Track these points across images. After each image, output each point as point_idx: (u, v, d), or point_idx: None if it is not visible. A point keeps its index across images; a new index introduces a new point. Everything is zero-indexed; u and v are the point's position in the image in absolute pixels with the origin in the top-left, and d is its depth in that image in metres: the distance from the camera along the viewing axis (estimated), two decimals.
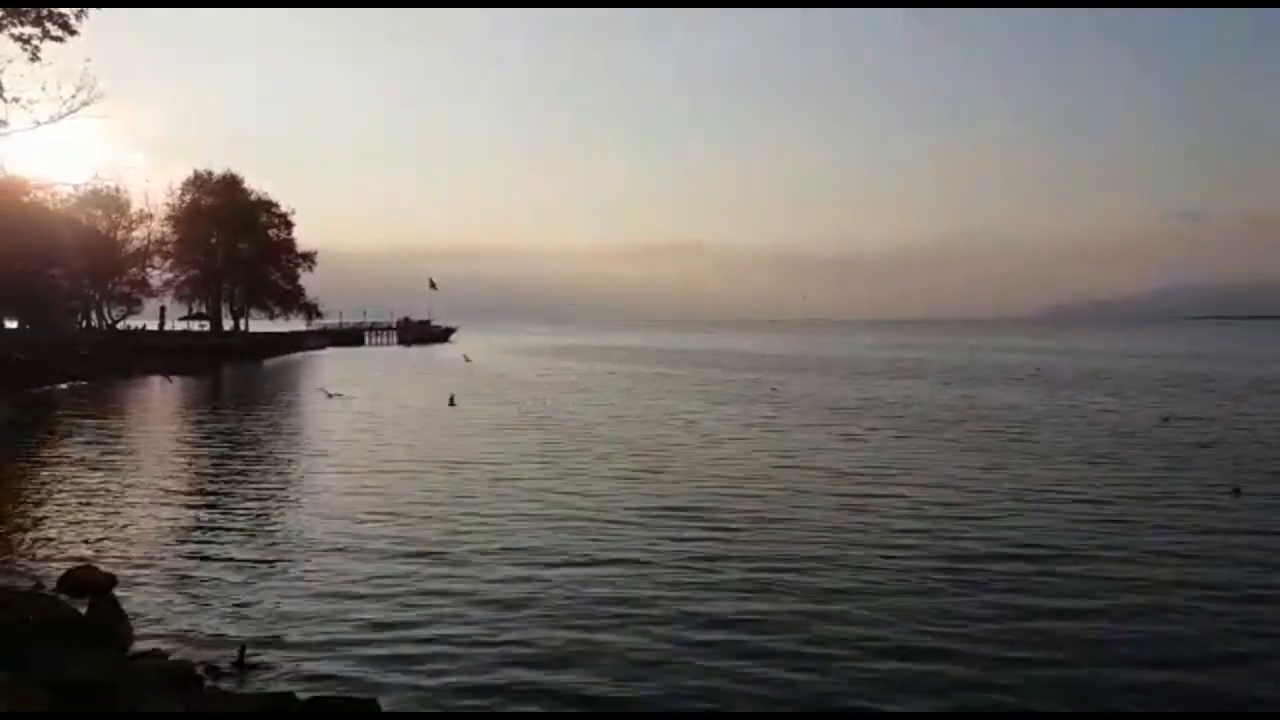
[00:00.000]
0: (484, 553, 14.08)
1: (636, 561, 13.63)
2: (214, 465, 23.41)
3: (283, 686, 9.00)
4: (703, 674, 9.47)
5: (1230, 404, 38.02)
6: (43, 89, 33.97)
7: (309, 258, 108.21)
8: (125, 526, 16.07)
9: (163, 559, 13.89)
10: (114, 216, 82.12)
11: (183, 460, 24.99)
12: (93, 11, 28.91)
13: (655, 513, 16.88)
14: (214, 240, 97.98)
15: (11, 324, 71.38)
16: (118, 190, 76.44)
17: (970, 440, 26.92)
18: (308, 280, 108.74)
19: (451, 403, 36.90)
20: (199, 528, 16.08)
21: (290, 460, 24.18)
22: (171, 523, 16.43)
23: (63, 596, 11.50)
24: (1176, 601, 11.80)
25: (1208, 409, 35.79)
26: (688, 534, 15.35)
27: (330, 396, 39.35)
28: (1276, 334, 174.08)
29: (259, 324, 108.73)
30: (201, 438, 29.33)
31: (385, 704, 8.57)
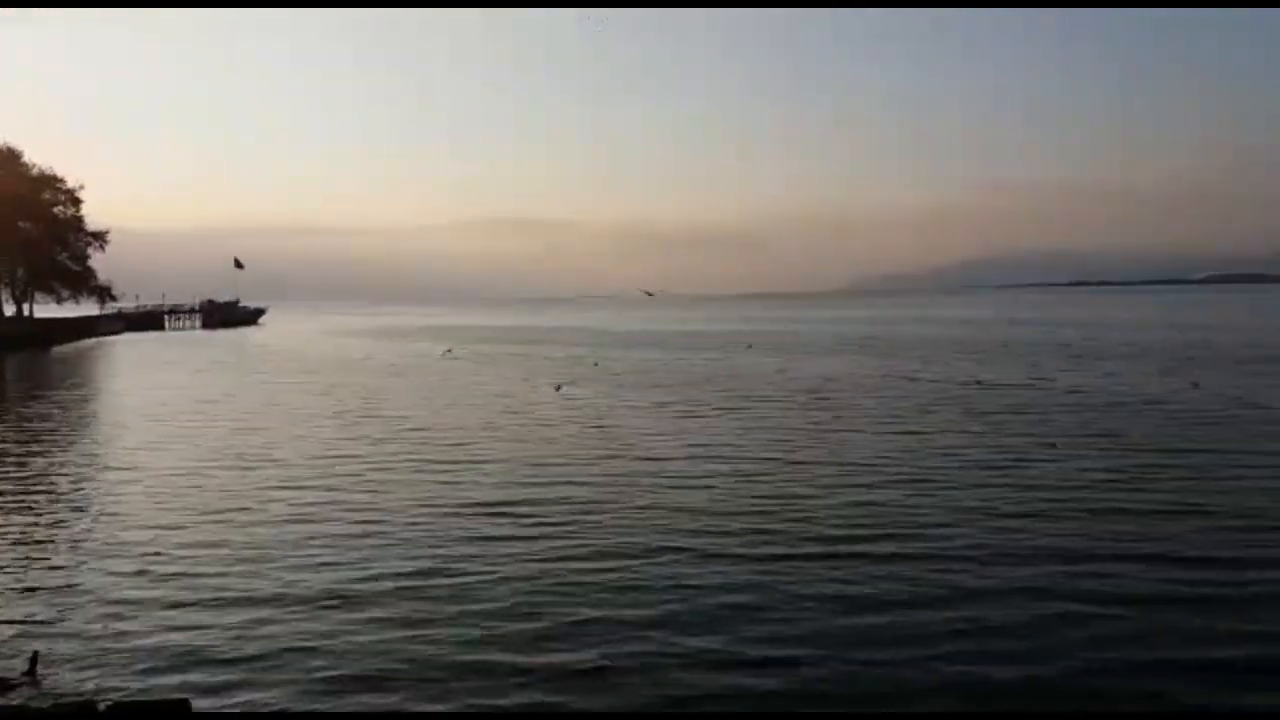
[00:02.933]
0: (287, 552, 13.20)
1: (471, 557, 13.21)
2: None
3: (80, 694, 8.13)
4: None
5: (1031, 368, 41.13)
6: None
7: (100, 236, 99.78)
8: None
9: None
10: None
11: None
12: None
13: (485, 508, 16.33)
14: None
15: None
16: None
17: (797, 411, 27.78)
18: (104, 262, 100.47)
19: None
20: None
21: (84, 459, 22.11)
22: None
23: None
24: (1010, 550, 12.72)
25: (1014, 373, 38.56)
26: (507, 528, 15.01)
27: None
28: (1074, 298, 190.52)
29: (46, 309, 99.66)
30: None
31: (196, 706, 7.88)
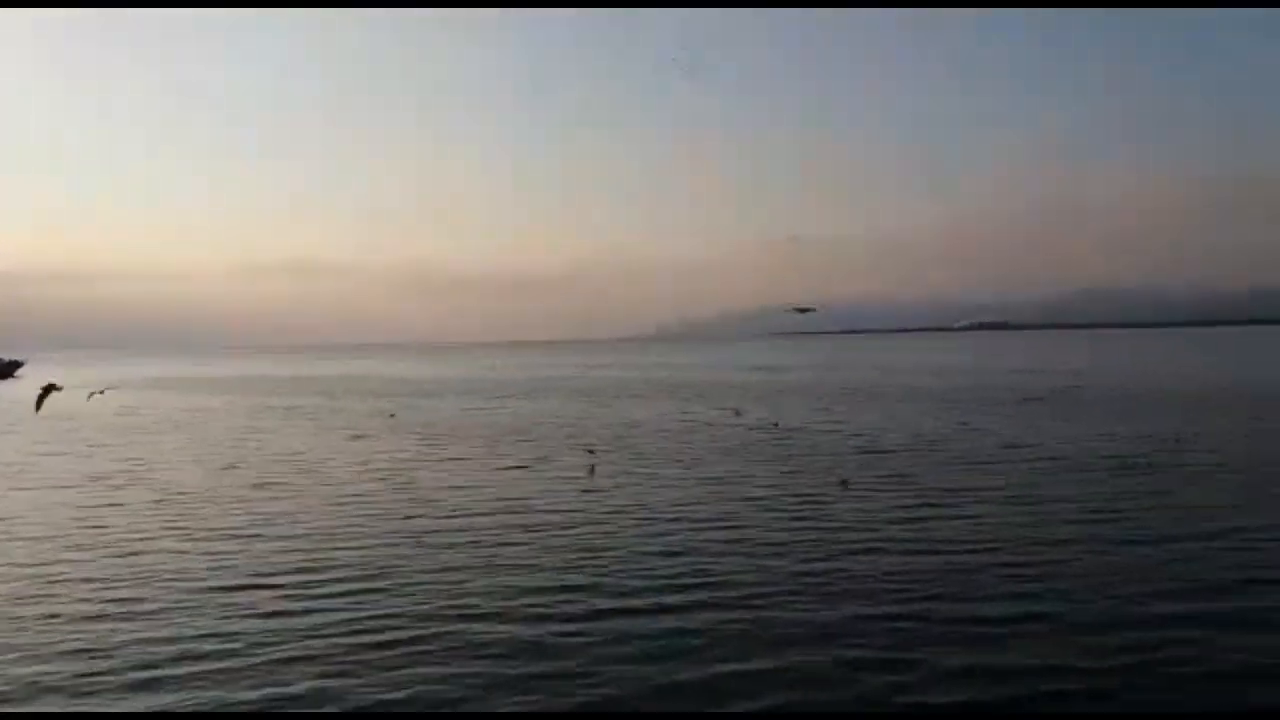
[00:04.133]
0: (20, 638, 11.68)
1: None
2: None
3: None
4: None
5: (821, 411, 43.04)
6: None
7: None
8: None
9: None
10: None
11: None
12: None
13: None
14: None
15: None
16: None
17: (602, 458, 27.66)
18: None
19: None
20: None
21: None
22: None
23: None
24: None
25: (805, 415, 40.21)
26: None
27: None
28: (852, 344, 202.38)
29: None
30: None
31: None
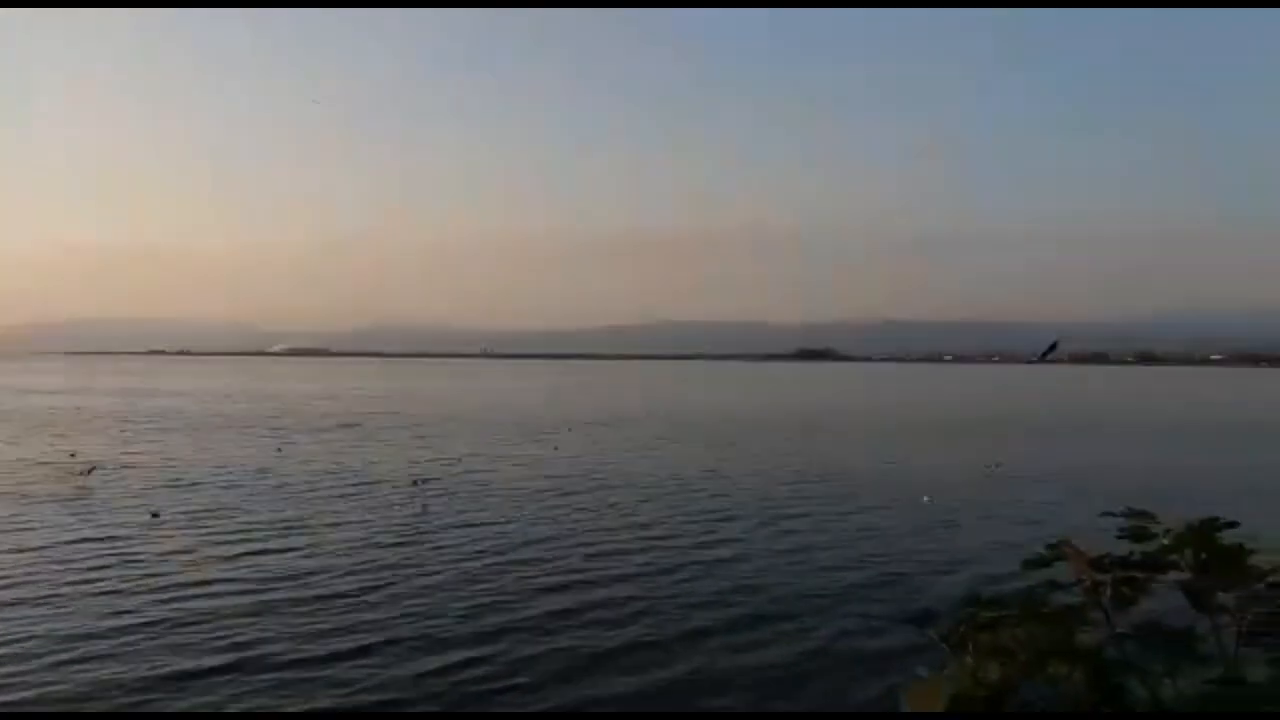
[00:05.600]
0: None
1: None
2: None
3: None
4: None
5: (124, 442, 39.53)
6: None
7: None
8: None
9: None
10: None
11: None
12: None
13: None
14: None
15: None
16: None
17: None
18: None
19: None
20: None
21: None
22: None
23: None
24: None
25: (101, 447, 36.32)
26: None
27: None
28: (157, 366, 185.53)
29: None
30: None
31: None
